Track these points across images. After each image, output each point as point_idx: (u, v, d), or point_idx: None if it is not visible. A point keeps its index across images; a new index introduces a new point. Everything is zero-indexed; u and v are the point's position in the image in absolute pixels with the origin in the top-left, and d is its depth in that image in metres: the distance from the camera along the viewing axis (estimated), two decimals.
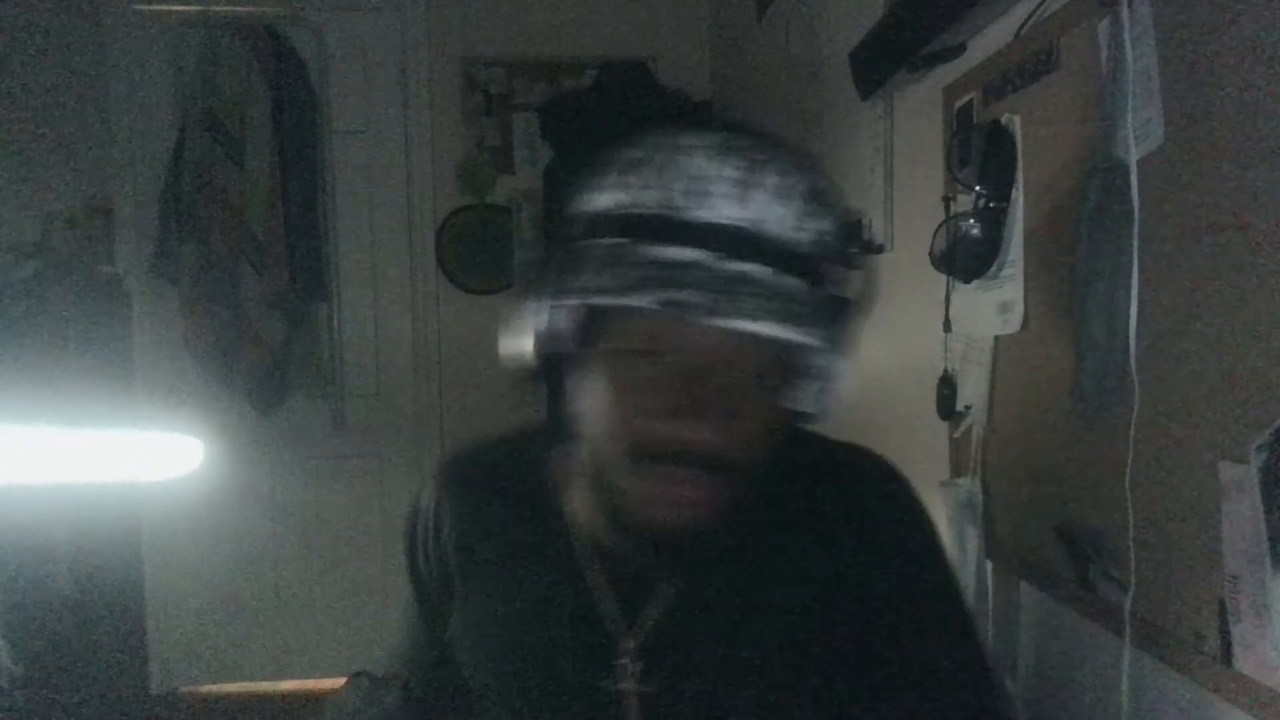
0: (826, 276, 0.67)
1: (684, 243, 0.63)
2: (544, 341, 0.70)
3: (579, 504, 0.78)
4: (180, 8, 3.01)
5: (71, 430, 0.62)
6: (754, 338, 0.62)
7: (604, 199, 0.68)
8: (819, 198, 0.67)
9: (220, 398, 2.96)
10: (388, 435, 3.13)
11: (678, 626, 0.76)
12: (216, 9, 2.98)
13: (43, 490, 0.68)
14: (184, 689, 3.17)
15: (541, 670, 0.78)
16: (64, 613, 2.90)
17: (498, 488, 0.84)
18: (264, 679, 3.18)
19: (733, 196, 0.64)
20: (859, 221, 1.67)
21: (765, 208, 0.64)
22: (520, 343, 0.72)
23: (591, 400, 0.69)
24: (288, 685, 3.14)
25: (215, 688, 3.18)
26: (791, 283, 0.64)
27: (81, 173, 3.00)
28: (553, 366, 0.72)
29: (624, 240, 0.65)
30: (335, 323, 3.16)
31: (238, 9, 3.02)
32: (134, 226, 3.03)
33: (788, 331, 0.62)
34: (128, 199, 3.03)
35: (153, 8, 3.00)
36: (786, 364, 0.67)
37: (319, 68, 3.09)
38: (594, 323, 0.68)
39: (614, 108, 2.84)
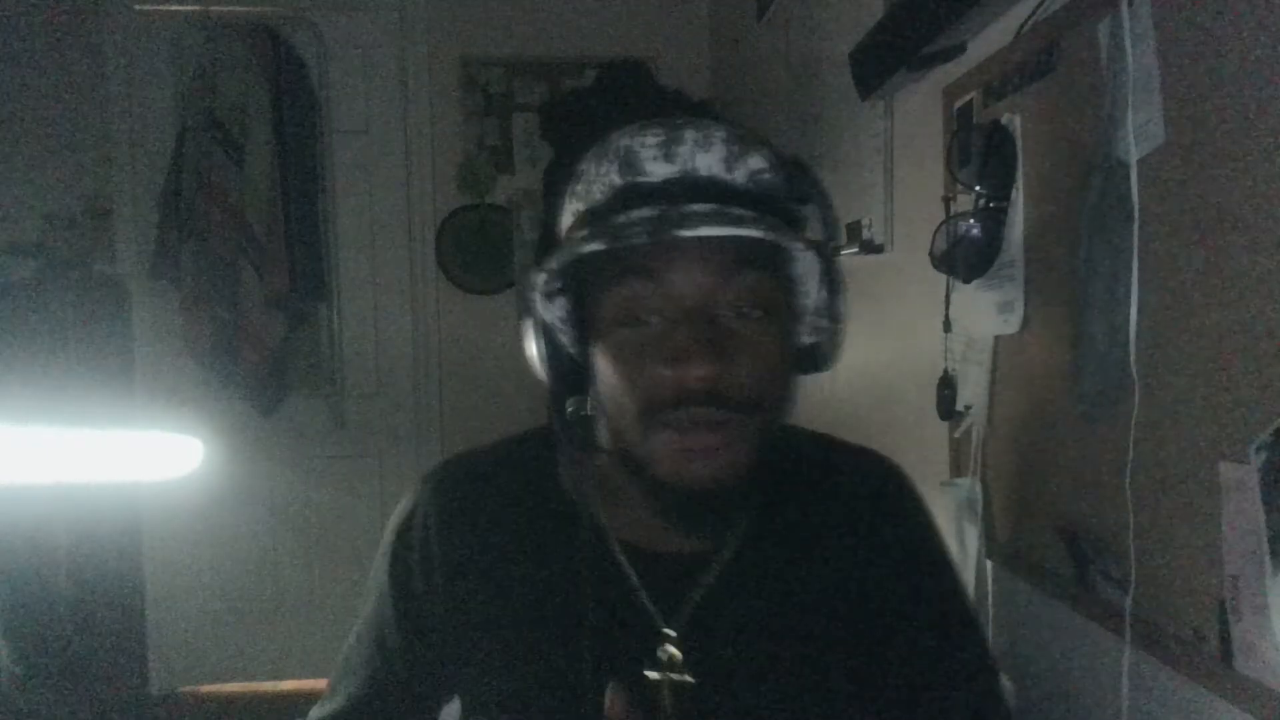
0: (774, 211, 0.70)
1: (629, 207, 0.68)
2: (550, 340, 0.75)
3: (602, 499, 0.79)
4: (180, 8, 3.01)
5: (71, 430, 0.62)
6: (723, 272, 0.68)
7: (565, 215, 0.75)
8: (740, 140, 0.71)
9: (220, 398, 2.96)
10: (388, 435, 3.13)
11: (715, 616, 0.77)
12: (216, 9, 2.98)
13: (43, 490, 0.68)
14: (184, 689, 3.17)
15: (581, 664, 0.77)
16: (64, 613, 2.90)
17: (509, 496, 0.83)
18: (264, 679, 3.18)
19: (660, 157, 0.70)
20: (859, 222, 1.67)
21: (691, 158, 0.69)
22: (534, 350, 0.75)
23: (603, 379, 0.72)
24: (288, 685, 3.14)
25: (215, 688, 3.18)
26: (736, 212, 0.67)
27: (81, 173, 3.00)
28: (564, 366, 0.75)
29: (585, 230, 0.70)
30: (335, 323, 3.16)
31: (238, 9, 3.02)
32: (134, 226, 3.03)
33: (735, 229, 0.65)
34: (128, 199, 3.03)
35: (153, 8, 3.00)
36: (768, 295, 0.70)
37: (319, 68, 3.09)
38: (587, 310, 0.73)
39: (614, 108, 2.84)
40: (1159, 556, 0.83)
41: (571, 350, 0.76)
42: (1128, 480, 0.85)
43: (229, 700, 3.14)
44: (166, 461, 0.68)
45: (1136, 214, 0.82)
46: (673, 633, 0.76)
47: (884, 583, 0.79)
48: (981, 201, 1.09)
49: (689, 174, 0.69)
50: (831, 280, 0.73)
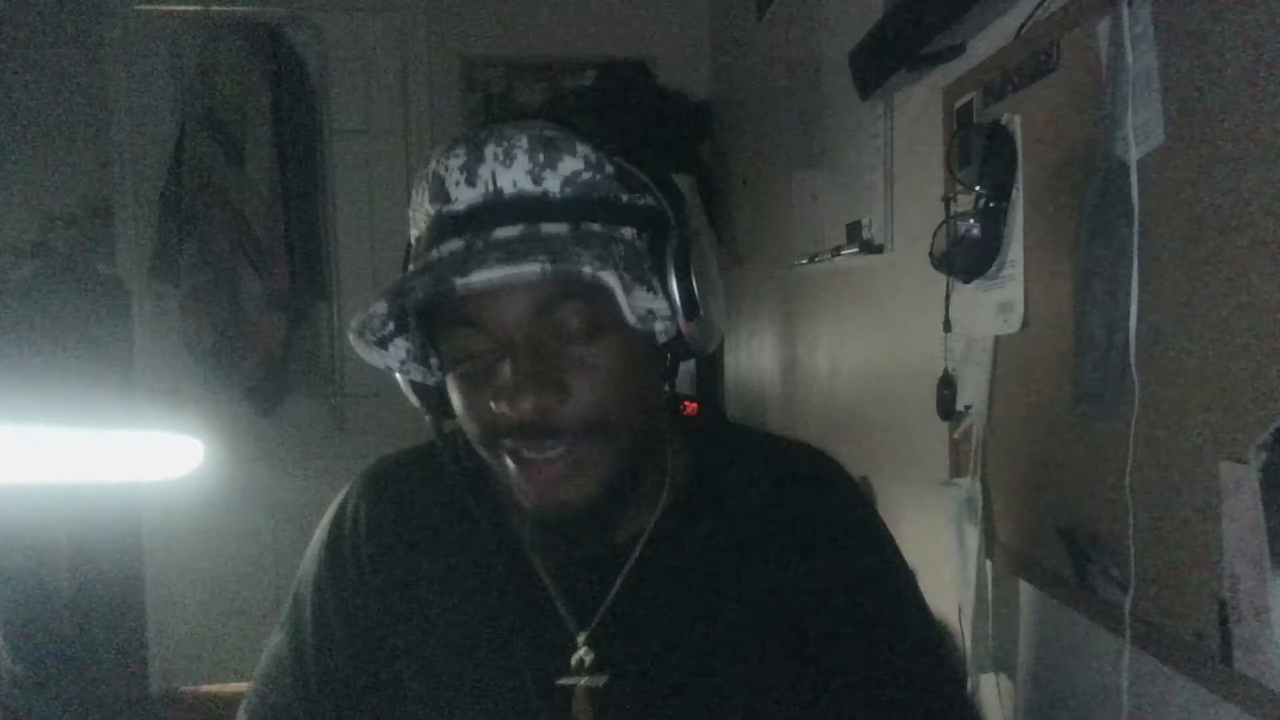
0: (598, 212, 0.68)
1: (441, 240, 0.68)
2: (412, 382, 0.77)
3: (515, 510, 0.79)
4: (180, 8, 3.02)
5: (71, 430, 0.62)
6: (536, 304, 0.66)
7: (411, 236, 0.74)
8: (547, 146, 0.67)
9: (220, 398, 2.96)
10: (388, 435, 3.11)
11: (628, 618, 0.76)
12: (216, 9, 2.98)
13: (43, 490, 0.68)
14: (184, 689, 3.17)
15: (495, 670, 0.77)
16: (64, 613, 2.90)
17: (430, 498, 0.83)
18: None
19: (463, 182, 0.67)
20: (859, 222, 1.67)
21: (494, 178, 0.67)
22: (404, 386, 0.78)
23: (455, 410, 0.74)
24: None
25: (215, 688, 3.18)
26: (549, 229, 0.66)
27: (81, 173, 3.00)
28: (438, 404, 0.77)
29: (412, 265, 0.71)
30: (335, 323, 3.16)
31: (238, 9, 3.02)
32: (134, 226, 3.03)
33: (528, 265, 0.62)
34: (128, 199, 3.03)
35: (153, 8, 3.01)
36: (592, 316, 0.67)
37: (319, 68, 3.10)
38: (432, 349, 0.74)
39: (614, 108, 2.85)
40: (1159, 556, 0.83)
41: (433, 379, 0.76)
42: (1128, 480, 0.85)
43: (229, 700, 3.13)
44: (166, 461, 0.68)
45: (1136, 214, 0.82)
46: (581, 636, 0.76)
47: (812, 578, 0.77)
48: (981, 201, 1.09)
49: (491, 197, 0.67)
50: (678, 270, 0.67)
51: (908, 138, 1.49)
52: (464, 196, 0.67)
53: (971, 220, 1.10)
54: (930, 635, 0.81)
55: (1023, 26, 1.04)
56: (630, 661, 0.76)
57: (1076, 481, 0.97)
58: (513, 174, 0.66)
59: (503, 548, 0.79)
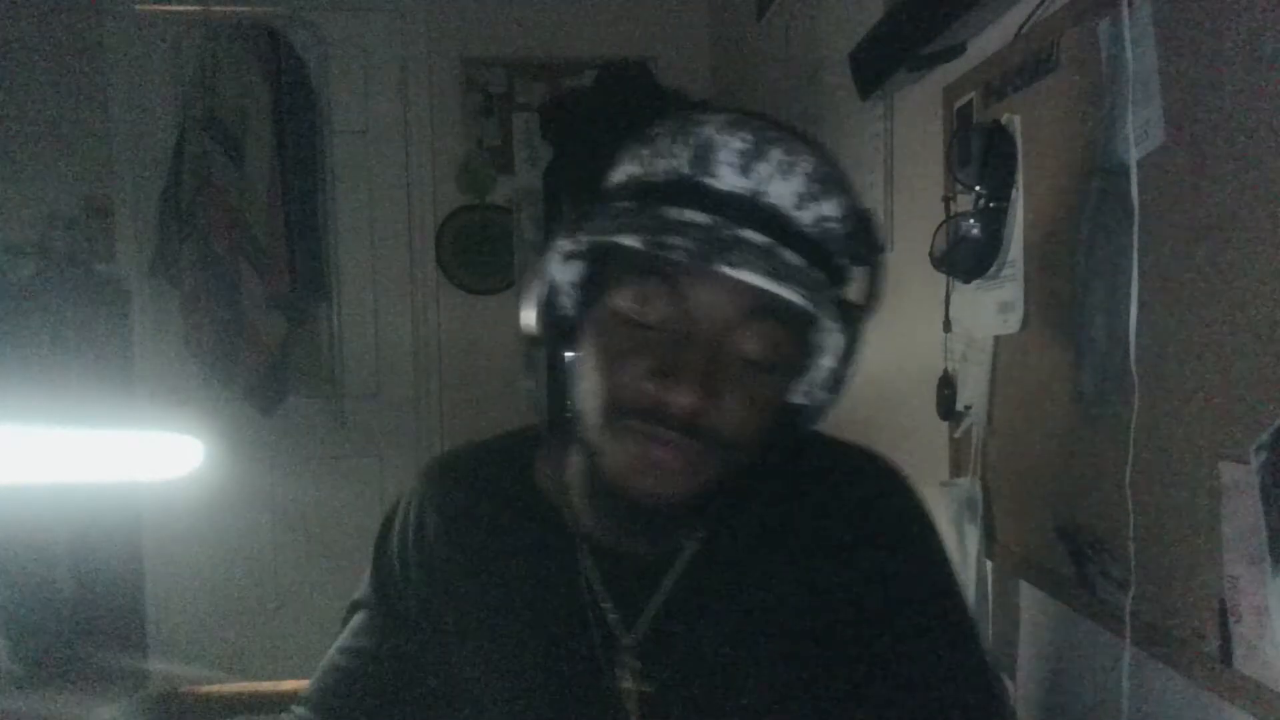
0: (827, 262, 0.68)
1: (685, 205, 0.65)
2: (549, 294, 0.71)
3: (571, 501, 0.78)
4: (180, 8, 3.01)
5: (71, 430, 0.62)
6: (746, 313, 0.65)
7: (619, 172, 0.71)
8: (823, 179, 0.67)
9: (220, 398, 2.96)
10: (388, 435, 3.12)
11: (676, 623, 0.75)
12: (216, 9, 2.98)
13: (43, 490, 0.68)
14: (184, 689, 3.17)
15: (544, 672, 0.77)
16: (64, 613, 2.90)
17: (487, 492, 0.83)
18: (264, 679, 3.17)
19: (736, 166, 0.65)
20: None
21: (767, 181, 0.65)
22: (532, 301, 0.72)
23: (584, 367, 0.69)
24: (288, 685, 3.13)
25: (215, 688, 3.17)
26: (788, 255, 0.64)
27: (81, 173, 3.00)
28: (556, 343, 0.72)
29: (632, 204, 0.67)
30: (335, 323, 3.15)
31: (238, 9, 3.02)
32: (134, 226, 3.03)
33: (778, 287, 0.61)
34: (128, 199, 3.03)
35: (153, 8, 3.00)
36: (780, 351, 0.67)
37: (319, 68, 3.09)
38: (593, 282, 0.70)
39: (614, 108, 2.84)
40: (1159, 556, 0.83)
41: (569, 314, 0.72)
42: (1128, 480, 0.85)
43: (229, 700, 3.13)
44: (166, 461, 0.68)
45: (1136, 214, 0.82)
46: (631, 642, 0.75)
47: (868, 587, 0.74)
48: (981, 201, 1.09)
49: (757, 196, 0.65)
50: (849, 354, 0.71)
51: (908, 138, 1.49)
52: (730, 181, 0.65)
53: (971, 220, 1.10)
54: (976, 650, 0.77)
55: (1023, 26, 1.04)
56: (676, 667, 0.75)
57: (1076, 481, 0.97)
58: (784, 187, 0.65)
59: (552, 546, 0.78)
